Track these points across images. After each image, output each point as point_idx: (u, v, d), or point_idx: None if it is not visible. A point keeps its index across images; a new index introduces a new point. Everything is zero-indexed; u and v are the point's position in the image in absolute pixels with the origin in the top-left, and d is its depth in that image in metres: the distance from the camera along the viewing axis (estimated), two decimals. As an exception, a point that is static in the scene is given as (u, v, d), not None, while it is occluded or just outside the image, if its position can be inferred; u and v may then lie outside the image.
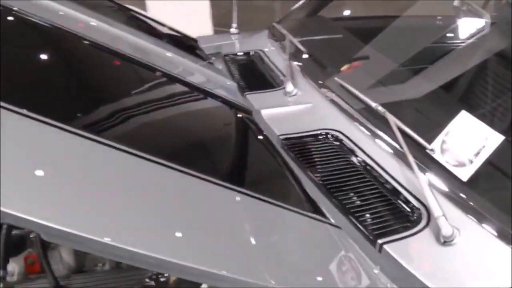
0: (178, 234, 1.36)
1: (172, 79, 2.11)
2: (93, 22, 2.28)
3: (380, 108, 1.82)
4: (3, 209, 1.12)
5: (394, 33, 2.52)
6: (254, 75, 2.43)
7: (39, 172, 1.30)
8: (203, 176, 1.55)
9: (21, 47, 1.89)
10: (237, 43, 2.83)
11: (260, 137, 1.95)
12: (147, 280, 1.69)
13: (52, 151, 1.40)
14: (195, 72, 2.33)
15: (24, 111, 1.42)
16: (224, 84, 2.30)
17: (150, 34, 2.56)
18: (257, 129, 1.98)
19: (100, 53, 2.08)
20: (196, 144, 1.85)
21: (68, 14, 2.23)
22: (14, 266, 1.91)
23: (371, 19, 3.20)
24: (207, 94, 2.11)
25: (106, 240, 1.21)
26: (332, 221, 1.61)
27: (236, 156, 1.90)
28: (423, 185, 1.55)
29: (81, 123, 1.57)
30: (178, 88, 2.11)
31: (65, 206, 1.27)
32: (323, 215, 1.62)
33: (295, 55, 2.39)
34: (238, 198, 1.55)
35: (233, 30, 2.94)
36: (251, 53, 2.65)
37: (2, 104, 1.39)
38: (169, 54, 2.34)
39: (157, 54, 2.30)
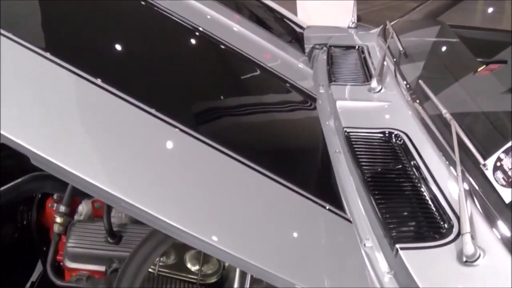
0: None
1: (241, 57, 2.12)
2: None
3: (447, 115, 1.70)
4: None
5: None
6: (349, 68, 2.37)
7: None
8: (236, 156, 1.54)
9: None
10: (348, 37, 2.76)
11: (311, 123, 1.89)
12: None
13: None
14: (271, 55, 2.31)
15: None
16: (298, 70, 2.26)
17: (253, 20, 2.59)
18: (313, 116, 1.92)
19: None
20: (248, 122, 1.84)
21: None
22: (83, 207, 2.03)
23: (494, 31, 2.97)
24: (274, 76, 2.09)
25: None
26: (347, 215, 1.53)
27: (280, 138, 1.87)
28: (461, 199, 1.44)
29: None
30: (244, 65, 2.12)
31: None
32: (338, 206, 1.54)
33: (395, 54, 2.29)
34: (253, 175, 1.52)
35: (350, 24, 2.87)
36: (356, 47, 2.57)
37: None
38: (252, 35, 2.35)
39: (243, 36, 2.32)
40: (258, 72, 2.19)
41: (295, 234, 1.47)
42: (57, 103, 1.41)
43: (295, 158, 1.78)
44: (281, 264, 1.33)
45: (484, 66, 2.02)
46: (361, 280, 1.40)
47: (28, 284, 2.26)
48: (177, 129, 1.50)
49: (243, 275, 1.59)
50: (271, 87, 2.21)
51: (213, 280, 1.77)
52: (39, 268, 2.32)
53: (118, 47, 1.87)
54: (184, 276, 1.77)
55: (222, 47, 2.17)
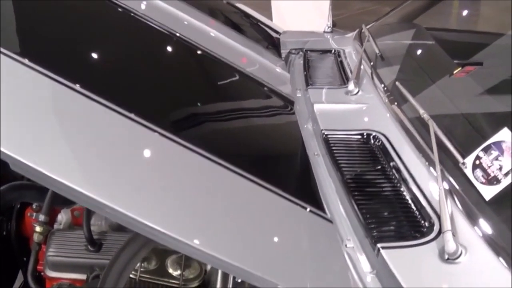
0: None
1: (219, 62, 2.12)
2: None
3: (425, 116, 1.68)
4: None
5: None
6: (326, 71, 2.35)
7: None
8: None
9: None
10: (324, 41, 2.75)
11: (290, 126, 1.87)
12: None
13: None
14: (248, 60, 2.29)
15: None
16: (276, 74, 2.24)
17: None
18: (292, 120, 1.90)
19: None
20: (228, 126, 1.82)
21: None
22: (62, 216, 1.98)
23: (470, 33, 2.96)
24: (252, 80, 2.07)
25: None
26: (327, 216, 1.50)
27: (260, 142, 1.85)
28: (441, 197, 1.41)
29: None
30: (222, 70, 2.10)
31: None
32: (319, 208, 1.52)
33: (371, 57, 2.27)
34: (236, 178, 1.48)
35: (326, 28, 2.86)
36: (332, 51, 2.55)
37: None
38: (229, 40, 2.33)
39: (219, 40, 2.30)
40: (237, 76, 2.17)
41: (276, 235, 1.44)
42: (36, 108, 1.38)
43: (275, 161, 1.75)
44: (263, 264, 1.30)
45: (460, 68, 2.00)
46: (343, 280, 1.36)
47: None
48: (156, 134, 1.47)
49: (224, 279, 1.56)
50: (249, 91, 2.18)
51: (195, 284, 1.73)
52: (20, 279, 2.26)
53: (95, 52, 1.83)
54: (165, 281, 1.74)
55: (200, 52, 2.14)
